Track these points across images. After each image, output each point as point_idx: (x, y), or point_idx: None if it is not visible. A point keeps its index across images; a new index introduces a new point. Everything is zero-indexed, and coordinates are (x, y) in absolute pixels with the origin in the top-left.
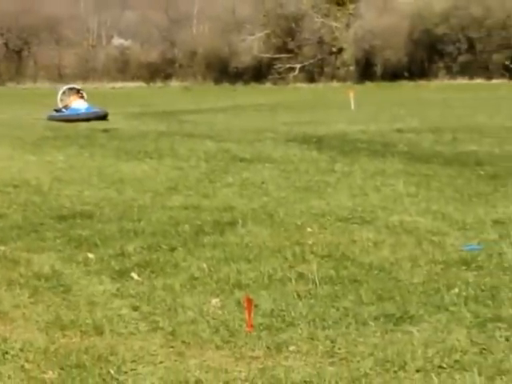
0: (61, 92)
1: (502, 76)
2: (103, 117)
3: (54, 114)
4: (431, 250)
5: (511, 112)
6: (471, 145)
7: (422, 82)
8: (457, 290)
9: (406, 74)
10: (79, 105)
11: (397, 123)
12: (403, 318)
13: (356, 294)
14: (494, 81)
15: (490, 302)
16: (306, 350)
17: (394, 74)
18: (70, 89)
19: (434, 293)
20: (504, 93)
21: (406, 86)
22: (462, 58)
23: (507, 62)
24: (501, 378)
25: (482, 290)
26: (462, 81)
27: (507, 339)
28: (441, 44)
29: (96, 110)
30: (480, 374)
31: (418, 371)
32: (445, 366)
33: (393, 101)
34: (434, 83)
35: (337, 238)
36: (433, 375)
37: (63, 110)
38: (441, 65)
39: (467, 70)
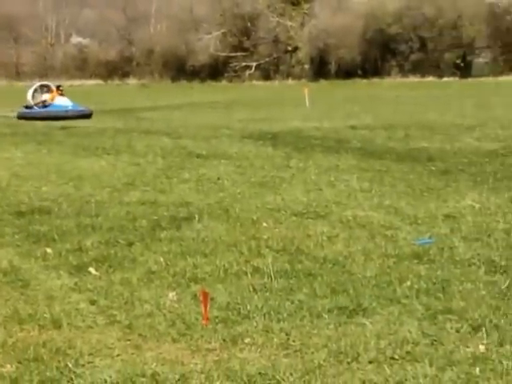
0: (32, 89)
1: (453, 74)
2: (89, 115)
3: (25, 110)
4: (384, 244)
5: (461, 109)
6: (423, 141)
7: (376, 80)
8: (409, 283)
9: (359, 72)
10: (64, 102)
11: (351, 120)
12: (356, 311)
13: (310, 287)
14: (445, 79)
15: (440, 295)
16: (261, 342)
17: (347, 72)
18: (42, 86)
19: (387, 286)
20: (454, 91)
21: (359, 84)
22: (414, 57)
23: (458, 61)
24: (451, 369)
25: (434, 283)
26: (414, 79)
27: (458, 331)
28: (393, 43)
29: (82, 108)
30: (431, 365)
31: (370, 362)
32: (397, 357)
33: (347, 98)
34: (387, 81)
35: (291, 233)
36: (385, 366)
37: (35, 107)
38: (393, 63)
39: (419, 69)
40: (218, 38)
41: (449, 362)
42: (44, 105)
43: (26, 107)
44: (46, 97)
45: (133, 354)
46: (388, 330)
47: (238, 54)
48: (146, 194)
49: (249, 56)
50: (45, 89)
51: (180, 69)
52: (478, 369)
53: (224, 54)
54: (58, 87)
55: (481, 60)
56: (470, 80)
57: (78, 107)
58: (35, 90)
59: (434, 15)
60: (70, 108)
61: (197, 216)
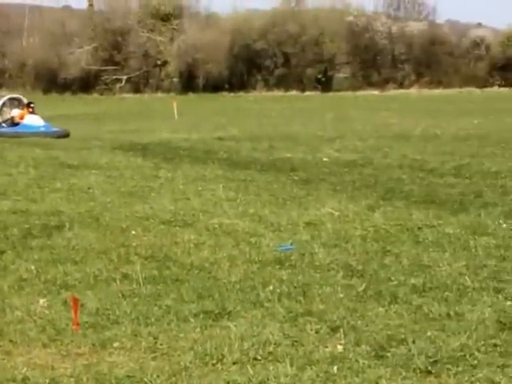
0: (0, 102)
1: (315, 89)
2: (64, 137)
3: None
4: (248, 251)
5: (323, 122)
6: (286, 152)
7: (242, 94)
8: (271, 288)
9: (226, 86)
10: (35, 121)
11: (218, 132)
12: (221, 314)
13: (178, 292)
14: (308, 93)
15: (301, 298)
16: (129, 346)
17: (215, 86)
18: (13, 99)
19: (251, 290)
20: (316, 104)
21: (226, 97)
22: (278, 72)
23: (319, 76)
24: (311, 368)
25: (295, 287)
26: (278, 93)
27: (317, 332)
28: (259, 58)
29: (57, 129)
30: (292, 365)
31: (234, 363)
32: (259, 357)
33: (214, 111)
34: (253, 94)
35: (160, 240)
36: (248, 367)
37: (3, 124)
38: (259, 77)
39: (283, 83)
40: (90, 52)
41: (308, 361)
42: (12, 122)
43: None
44: (15, 113)
45: (3, 359)
46: (251, 332)
47: (109, 67)
48: (18, 203)
49: (119, 70)
50: (15, 102)
51: (52, 81)
52: (335, 367)
53: (95, 68)
54: (28, 104)
55: (341, 75)
56: (330, 94)
57: (51, 128)
58: (3, 104)
59: (298, 32)
60: (42, 129)
61: (68, 224)
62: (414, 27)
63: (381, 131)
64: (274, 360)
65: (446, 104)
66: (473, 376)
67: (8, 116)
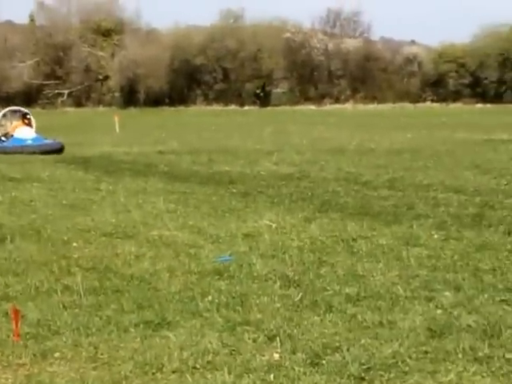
0: (0, 115)
1: (254, 103)
2: (58, 150)
3: None
4: (188, 262)
5: (261, 136)
6: (225, 165)
7: (182, 108)
8: (210, 298)
9: (167, 100)
10: (24, 134)
11: (158, 145)
12: (161, 324)
13: (118, 303)
14: (246, 107)
15: (239, 308)
16: (70, 356)
17: (156, 101)
18: (14, 111)
19: (190, 300)
20: (255, 118)
21: (167, 112)
22: (217, 87)
23: (258, 91)
24: (248, 376)
25: (233, 297)
26: (217, 107)
27: (254, 340)
28: (199, 73)
29: (48, 141)
30: (230, 373)
31: (174, 372)
32: (198, 366)
33: (155, 125)
34: (193, 109)
35: (101, 252)
36: (187, 375)
37: (3, 138)
38: (199, 92)
39: (222, 98)
40: (32, 67)
41: (246, 369)
42: (5, 137)
43: None
44: (6, 130)
45: None
46: (190, 342)
47: (51, 81)
48: None
49: (61, 84)
50: (17, 114)
51: None
52: (272, 375)
53: (37, 82)
54: (24, 115)
55: (279, 90)
56: (269, 108)
57: (40, 140)
58: (4, 116)
59: (236, 48)
60: (28, 142)
61: (9, 237)
62: (350, 44)
63: (317, 145)
64: (212, 368)
65: (380, 118)
66: (404, 382)
67: (8, 130)
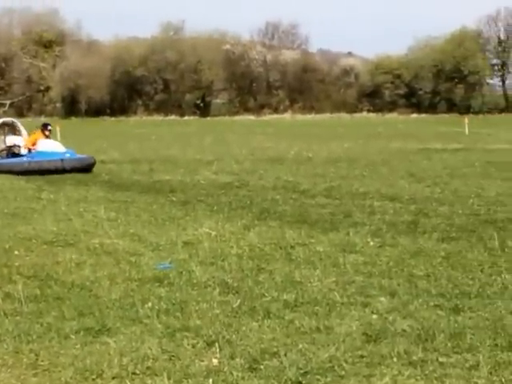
0: None
1: (194, 113)
2: (92, 165)
3: None
4: (128, 269)
5: (201, 146)
6: (166, 174)
7: (123, 118)
8: (150, 304)
9: (108, 110)
10: (52, 146)
11: (100, 155)
12: (101, 331)
13: (59, 310)
14: (186, 117)
15: (179, 314)
16: (11, 362)
17: (97, 111)
18: (4, 124)
19: (130, 307)
20: (195, 128)
21: (108, 122)
22: (158, 97)
23: (198, 101)
24: (187, 381)
25: (173, 304)
26: (158, 117)
27: (194, 346)
28: (139, 84)
29: (82, 156)
30: (169, 378)
31: (114, 378)
32: (138, 372)
33: (96, 135)
34: (134, 119)
35: (42, 260)
36: (127, 381)
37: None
38: (139, 103)
39: (163, 108)
40: None
41: (185, 375)
42: (13, 152)
43: None
44: (15, 140)
45: None
46: (130, 348)
47: None
48: None
49: (3, 94)
50: (6, 128)
51: None
52: (211, 380)
53: None
54: (45, 126)
55: (218, 101)
56: (208, 119)
57: (74, 154)
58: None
59: (176, 59)
60: (67, 156)
61: None
62: (288, 56)
63: (256, 154)
64: (152, 374)
65: (317, 128)
66: None
67: (2, 145)
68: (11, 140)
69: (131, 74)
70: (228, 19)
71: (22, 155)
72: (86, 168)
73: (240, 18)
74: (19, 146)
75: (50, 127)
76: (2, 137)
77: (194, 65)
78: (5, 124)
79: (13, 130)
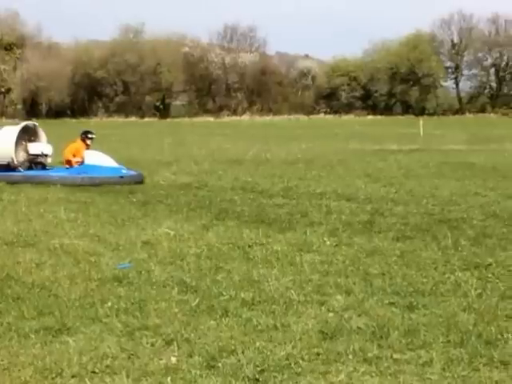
0: (16, 132)
1: (153, 115)
2: (141, 183)
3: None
4: (88, 269)
5: (161, 147)
6: None
7: (84, 120)
8: (110, 304)
9: (68, 112)
10: (105, 160)
11: (60, 157)
12: (61, 330)
13: (19, 310)
14: (146, 119)
15: (138, 313)
16: None
17: (58, 113)
18: (26, 128)
19: (90, 307)
20: (155, 130)
21: (69, 123)
22: (118, 99)
23: (157, 103)
24: (146, 380)
25: (132, 303)
26: (118, 119)
27: (152, 345)
28: (100, 86)
29: (135, 172)
30: (128, 376)
31: (73, 377)
32: (97, 370)
33: (57, 136)
34: (94, 120)
35: (2, 260)
36: (86, 379)
37: (20, 168)
38: (100, 105)
39: (123, 110)
40: None
41: (144, 373)
42: (40, 163)
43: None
44: (43, 148)
45: None
46: (90, 347)
47: None
48: None
49: None
50: (29, 133)
51: None
52: (169, 378)
53: None
54: (86, 134)
55: (178, 103)
56: (168, 120)
57: (128, 170)
58: (22, 131)
59: (136, 62)
60: (124, 172)
61: None
62: (246, 58)
63: (215, 155)
64: (111, 373)
65: (275, 130)
66: (297, 383)
67: (22, 155)
68: (37, 148)
69: (91, 76)
70: (187, 22)
71: (46, 167)
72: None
73: (199, 21)
74: (46, 156)
75: (92, 135)
76: (24, 143)
77: (154, 67)
78: (27, 128)
79: (34, 135)
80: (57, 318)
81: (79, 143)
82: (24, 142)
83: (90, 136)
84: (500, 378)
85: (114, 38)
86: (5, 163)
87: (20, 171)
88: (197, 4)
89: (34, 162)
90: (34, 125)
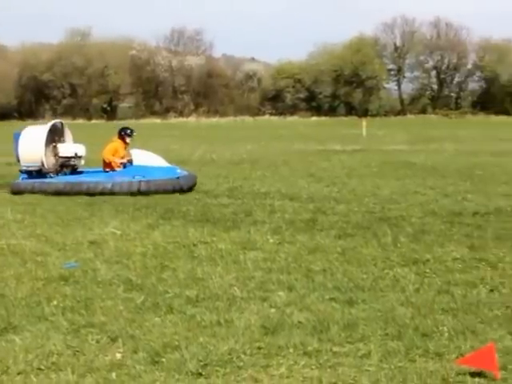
0: (44, 133)
1: (101, 117)
2: (193, 186)
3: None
4: (34, 269)
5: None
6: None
7: (30, 122)
8: (56, 302)
9: (15, 114)
10: (156, 159)
11: (6, 158)
12: (7, 329)
13: None
14: (94, 121)
15: (84, 312)
16: None
17: (4, 115)
18: (60, 129)
19: (36, 305)
20: (102, 132)
21: (16, 125)
22: (65, 102)
23: (105, 105)
24: (91, 375)
25: (78, 302)
26: (66, 121)
27: (98, 342)
28: (47, 89)
29: (189, 172)
30: (73, 373)
31: (19, 374)
32: (43, 367)
33: (3, 138)
34: (41, 123)
35: None
36: (32, 376)
37: (51, 174)
38: (47, 107)
39: (70, 112)
40: None
41: (89, 369)
42: (71, 166)
43: (28, 172)
44: (76, 149)
45: None
46: (36, 345)
47: None
48: None
49: None
50: (57, 133)
51: None
52: (114, 374)
53: None
54: (124, 131)
55: (125, 105)
56: (115, 122)
57: (182, 171)
58: (51, 131)
59: (83, 65)
60: (179, 172)
61: None
62: (193, 61)
63: (162, 156)
64: (56, 369)
65: (221, 131)
66: (239, 376)
67: (52, 160)
68: (68, 149)
69: (38, 78)
70: (134, 26)
71: (78, 171)
72: (193, 186)
73: (146, 24)
74: (80, 157)
75: (132, 132)
76: (52, 144)
77: (101, 70)
78: (54, 127)
79: (61, 135)
80: (3, 316)
81: (118, 142)
82: (53, 144)
83: (128, 132)
84: (435, 369)
85: (61, 41)
86: (36, 168)
87: (51, 177)
88: (145, 8)
89: (65, 165)
90: (62, 123)
